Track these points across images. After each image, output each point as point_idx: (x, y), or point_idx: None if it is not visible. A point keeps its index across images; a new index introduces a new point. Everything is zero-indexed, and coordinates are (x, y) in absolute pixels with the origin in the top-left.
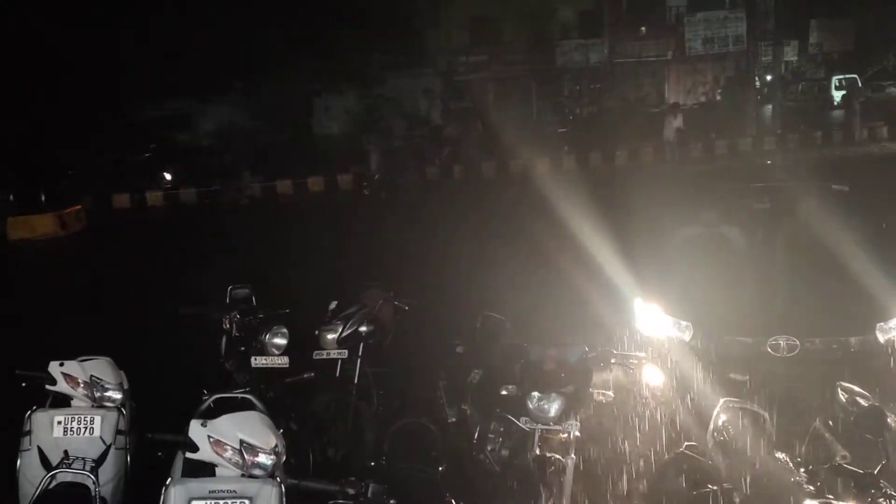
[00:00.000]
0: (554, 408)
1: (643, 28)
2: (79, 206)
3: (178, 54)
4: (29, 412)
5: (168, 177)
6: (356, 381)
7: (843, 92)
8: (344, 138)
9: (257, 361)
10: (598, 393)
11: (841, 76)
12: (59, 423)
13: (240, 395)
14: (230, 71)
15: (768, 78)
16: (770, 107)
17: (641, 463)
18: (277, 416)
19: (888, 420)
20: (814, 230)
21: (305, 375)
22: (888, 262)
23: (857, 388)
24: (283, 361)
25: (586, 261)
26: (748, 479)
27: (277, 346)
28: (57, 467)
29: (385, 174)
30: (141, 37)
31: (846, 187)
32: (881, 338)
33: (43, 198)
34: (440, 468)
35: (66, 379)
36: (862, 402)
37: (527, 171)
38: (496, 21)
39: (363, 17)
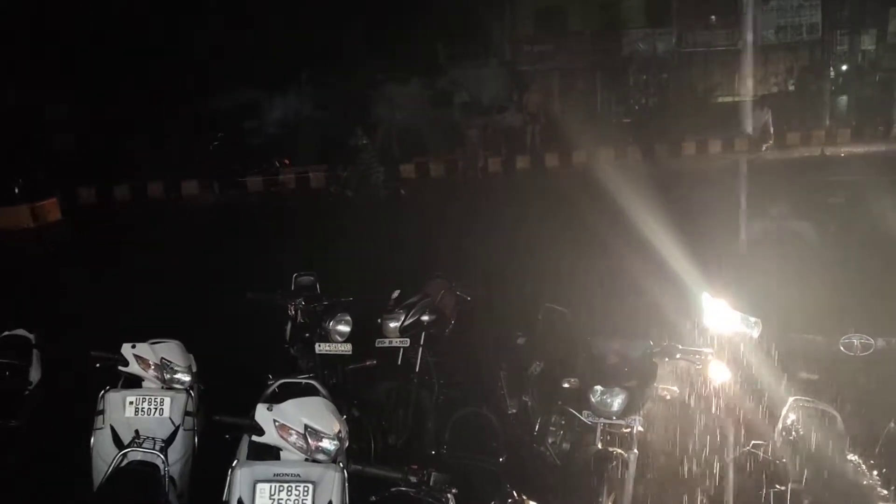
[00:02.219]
0: (617, 402)
1: (713, 17)
2: (53, 199)
3: (246, 45)
4: (102, 392)
5: (286, 161)
6: (417, 369)
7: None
8: (405, 129)
9: (321, 348)
10: (663, 388)
11: None
12: (131, 403)
13: (304, 381)
14: (297, 61)
15: (844, 68)
16: (845, 98)
17: (706, 460)
18: (340, 403)
19: None
20: (890, 226)
21: (368, 363)
22: None
23: None
24: (347, 348)
25: (652, 254)
26: (818, 481)
27: (341, 334)
28: (128, 446)
29: (354, 172)
30: (208, 27)
31: None
32: None
33: (16, 190)
34: (500, 459)
35: (137, 361)
36: None
37: (590, 162)
38: (561, 10)
39: (427, 7)
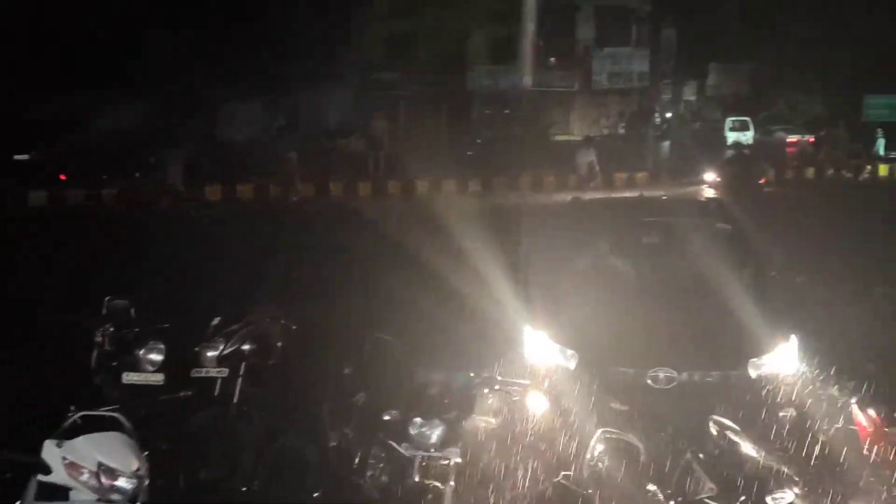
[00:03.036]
0: (435, 434)
1: (552, 59)
2: None
3: (80, 52)
4: None
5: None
6: (235, 400)
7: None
8: (251, 147)
9: (129, 377)
10: (481, 420)
11: (734, 117)
12: None
13: (108, 414)
14: (136, 72)
15: (668, 115)
16: (668, 143)
17: (519, 491)
18: (148, 436)
19: (754, 457)
20: (697, 266)
21: (182, 394)
22: (764, 301)
23: (727, 422)
24: (158, 378)
25: (479, 285)
26: None
27: (152, 363)
28: None
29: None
30: (38, 33)
31: (729, 226)
32: (753, 373)
33: None
34: (315, 494)
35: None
36: (732, 435)
37: (430, 192)
38: (410, 41)
39: (276, 27)
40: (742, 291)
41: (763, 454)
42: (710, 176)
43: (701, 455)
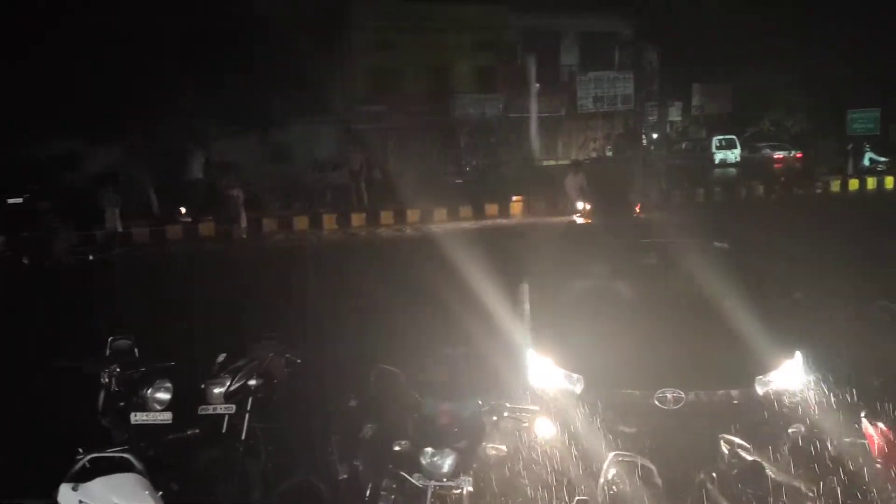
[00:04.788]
0: (447, 463)
1: (537, 85)
2: None
3: (69, 93)
4: None
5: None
6: (244, 437)
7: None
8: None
9: (137, 417)
10: (491, 447)
11: (721, 136)
12: None
13: (117, 455)
14: (123, 111)
15: (654, 136)
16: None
17: None
18: (158, 477)
19: (768, 474)
20: (697, 285)
21: (189, 432)
22: (767, 318)
23: (738, 441)
24: (166, 417)
25: (481, 313)
26: None
27: (160, 401)
28: None
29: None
30: (26, 72)
31: (726, 245)
32: (760, 391)
33: None
34: None
35: None
36: (743, 454)
37: (424, 220)
38: (395, 73)
39: (263, 64)
40: (744, 309)
41: (775, 471)
42: (580, 205)
43: (714, 474)
